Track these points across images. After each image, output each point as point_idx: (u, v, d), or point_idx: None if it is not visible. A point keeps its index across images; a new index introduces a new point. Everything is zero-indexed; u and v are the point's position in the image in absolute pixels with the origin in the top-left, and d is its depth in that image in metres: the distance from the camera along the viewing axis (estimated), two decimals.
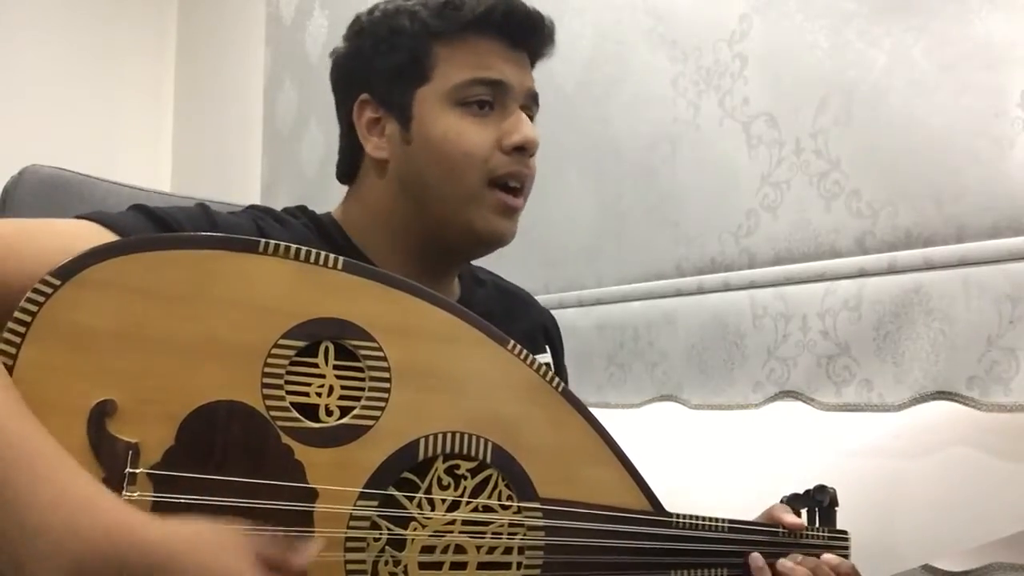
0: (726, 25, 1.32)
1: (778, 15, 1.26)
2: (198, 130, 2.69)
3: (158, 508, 0.50)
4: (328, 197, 0.86)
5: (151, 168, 2.71)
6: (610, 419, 1.38)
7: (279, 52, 2.27)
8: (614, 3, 1.48)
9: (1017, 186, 1.03)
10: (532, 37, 0.80)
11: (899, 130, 1.13)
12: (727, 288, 1.29)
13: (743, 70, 1.30)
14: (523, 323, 0.90)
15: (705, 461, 1.37)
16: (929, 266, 1.09)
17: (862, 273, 1.15)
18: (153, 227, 0.66)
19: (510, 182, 0.77)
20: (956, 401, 1.05)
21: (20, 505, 0.45)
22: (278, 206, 0.82)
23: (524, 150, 0.77)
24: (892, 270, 1.12)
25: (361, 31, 0.80)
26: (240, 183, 2.38)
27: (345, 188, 0.86)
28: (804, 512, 0.78)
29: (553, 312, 1.54)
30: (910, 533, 1.15)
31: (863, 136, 1.17)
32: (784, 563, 0.72)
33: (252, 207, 0.79)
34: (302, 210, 0.82)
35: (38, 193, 0.91)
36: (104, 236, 0.61)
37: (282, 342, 0.55)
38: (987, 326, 1.03)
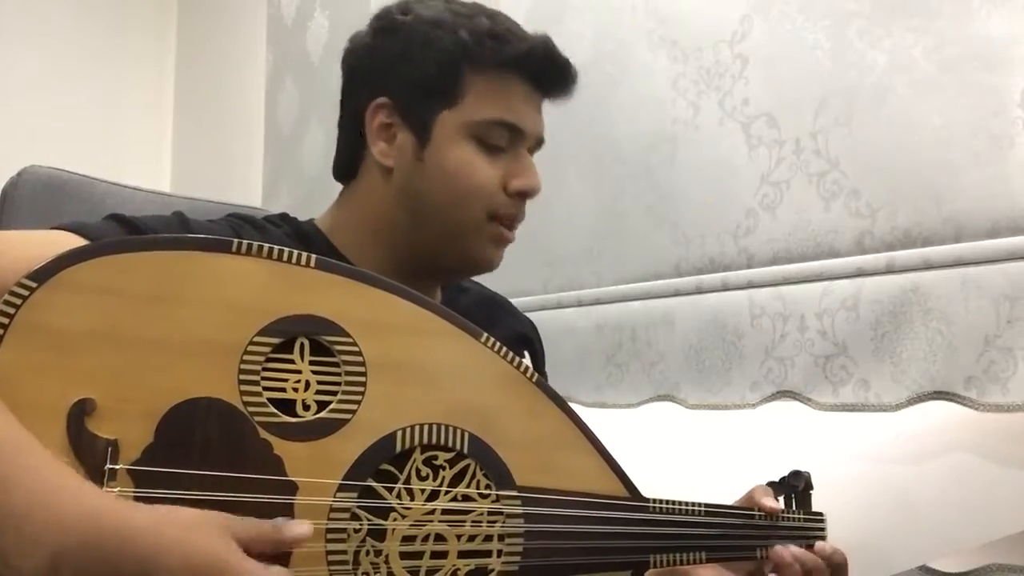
0: (727, 26, 1.32)
1: (779, 16, 1.26)
2: (199, 130, 2.69)
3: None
4: (330, 197, 0.86)
5: (152, 168, 2.71)
6: (608, 419, 1.39)
7: (280, 52, 2.28)
8: (614, 3, 1.48)
9: (1016, 186, 1.03)
10: (560, 88, 0.81)
11: (898, 130, 1.13)
12: (725, 288, 1.29)
13: (743, 71, 1.30)
14: (503, 330, 0.91)
15: (702, 461, 1.37)
16: (927, 266, 1.09)
17: (860, 273, 1.15)
18: (128, 234, 0.67)
19: (505, 219, 0.79)
20: (954, 401, 1.05)
21: (1, 494, 0.45)
22: (279, 206, 0.83)
23: (526, 195, 0.79)
24: (890, 270, 1.12)
25: (392, 31, 0.79)
26: (241, 183, 2.38)
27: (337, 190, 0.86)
28: (781, 499, 0.79)
29: (552, 312, 1.55)
30: (908, 533, 1.15)
31: (862, 136, 1.17)
32: (778, 548, 0.74)
33: (232, 215, 0.79)
34: (283, 218, 0.82)
35: (37, 194, 0.91)
36: (80, 244, 0.62)
37: (257, 339, 0.56)
38: (985, 326, 1.03)
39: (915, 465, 1.16)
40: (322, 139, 2.07)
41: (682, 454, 1.39)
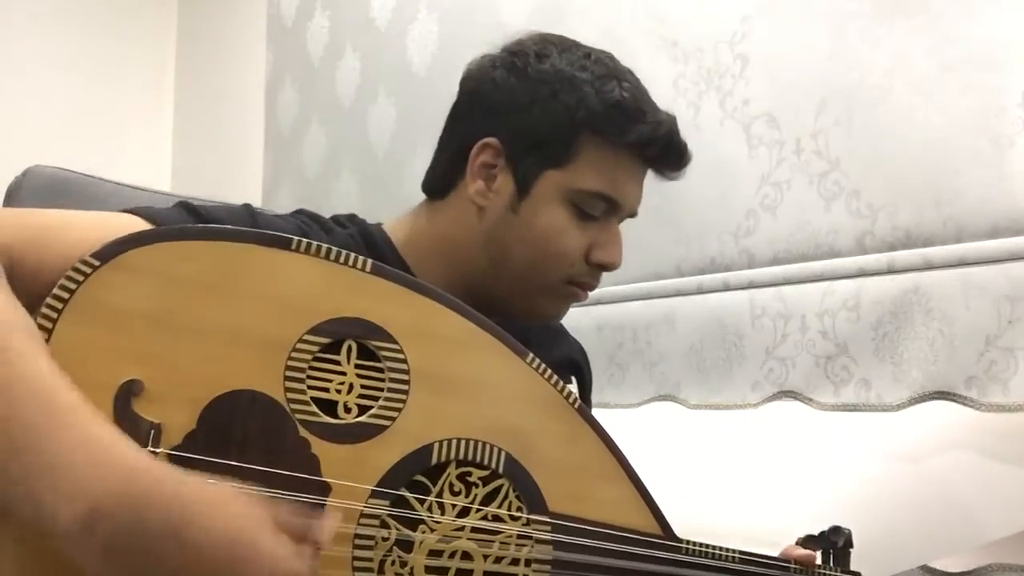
0: (727, 26, 1.33)
1: (779, 16, 1.27)
2: (199, 130, 2.69)
3: None
4: (329, 198, 0.86)
5: (152, 168, 2.71)
6: (609, 419, 1.39)
7: (280, 53, 2.28)
8: (616, 4, 1.48)
9: (1017, 186, 1.03)
10: (673, 170, 0.80)
11: (899, 130, 1.14)
12: (726, 288, 1.30)
13: (744, 71, 1.30)
14: (554, 353, 0.91)
15: (703, 461, 1.37)
16: (928, 266, 1.09)
17: (861, 273, 1.15)
18: (196, 223, 0.67)
19: (580, 285, 0.79)
20: (955, 401, 1.05)
21: (44, 446, 0.46)
22: (279, 207, 0.82)
23: (606, 268, 0.78)
24: (891, 270, 1.12)
25: (523, 74, 0.76)
26: (241, 184, 2.38)
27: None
28: (819, 554, 0.77)
29: None
30: (909, 533, 1.15)
31: (863, 136, 1.17)
32: None
33: (300, 211, 0.79)
34: (351, 219, 0.81)
35: (42, 193, 0.91)
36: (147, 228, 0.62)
37: (307, 338, 0.56)
38: (986, 326, 1.03)
39: (916, 465, 1.16)
40: (322, 140, 2.07)
41: (683, 454, 1.39)
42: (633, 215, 0.81)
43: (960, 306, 1.05)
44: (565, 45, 0.79)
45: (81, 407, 0.48)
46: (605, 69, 0.77)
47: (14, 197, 0.91)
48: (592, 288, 0.80)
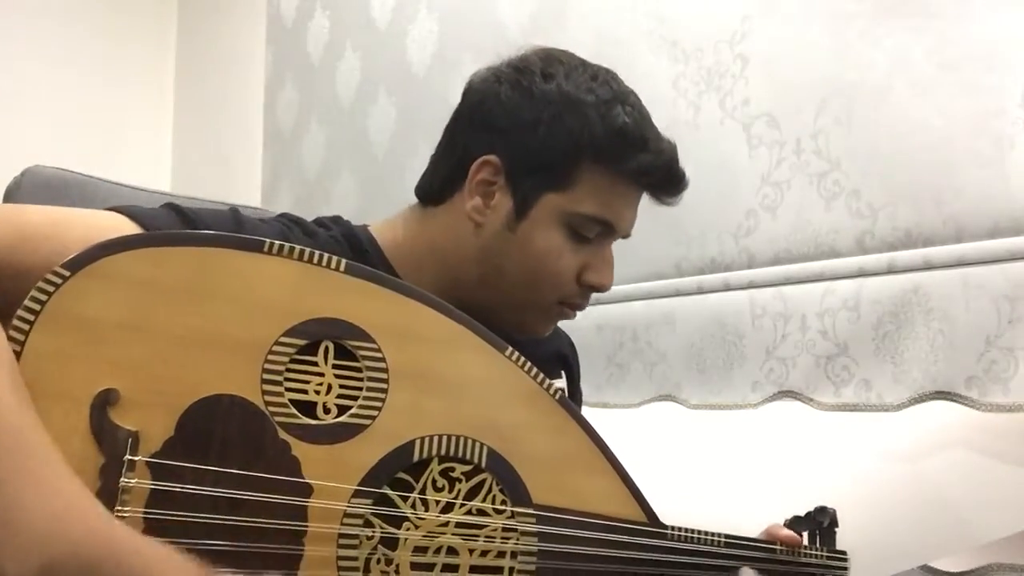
0: (727, 26, 1.32)
1: (779, 16, 1.27)
2: (199, 130, 2.70)
3: (156, 496, 0.52)
4: (329, 198, 0.86)
5: (152, 168, 2.72)
6: (609, 419, 1.39)
7: (280, 53, 2.28)
8: (615, 4, 1.48)
9: (1016, 186, 1.03)
10: (668, 197, 0.81)
11: (899, 130, 1.14)
12: (726, 288, 1.30)
13: (744, 71, 1.30)
14: (543, 348, 0.91)
15: (703, 461, 1.37)
16: (928, 266, 1.09)
17: (861, 273, 1.15)
18: (181, 226, 0.67)
19: (570, 305, 0.80)
20: (955, 401, 1.05)
21: (4, 499, 0.46)
22: (279, 206, 0.82)
23: (596, 290, 0.79)
24: (891, 270, 1.12)
25: (528, 93, 0.76)
26: (240, 184, 2.39)
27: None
28: (805, 535, 0.78)
29: None
30: (909, 533, 1.15)
31: (863, 136, 1.17)
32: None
33: (283, 215, 0.79)
34: (335, 221, 0.81)
35: (40, 193, 0.91)
36: (132, 230, 0.62)
37: (283, 340, 0.56)
38: (986, 326, 1.03)
39: (916, 465, 1.16)
40: (322, 140, 2.07)
41: (683, 454, 1.39)
42: (626, 237, 0.82)
43: (960, 306, 1.05)
44: (571, 64, 0.78)
45: (46, 454, 0.48)
46: (610, 92, 0.76)
47: (12, 197, 0.91)
48: (581, 308, 0.81)
